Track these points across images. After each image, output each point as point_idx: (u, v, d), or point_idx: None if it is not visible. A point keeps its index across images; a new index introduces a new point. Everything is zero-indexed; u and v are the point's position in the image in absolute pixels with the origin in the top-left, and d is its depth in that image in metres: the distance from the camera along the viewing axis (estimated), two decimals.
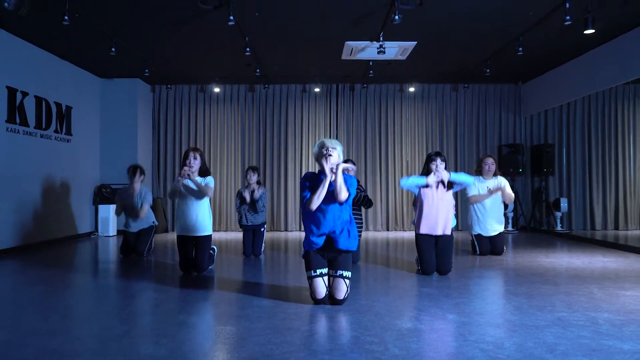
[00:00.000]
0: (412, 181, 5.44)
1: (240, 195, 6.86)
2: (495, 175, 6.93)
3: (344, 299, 4.00)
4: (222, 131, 10.76)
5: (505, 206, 7.25)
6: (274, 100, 10.80)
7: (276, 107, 10.79)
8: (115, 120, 9.92)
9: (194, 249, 5.47)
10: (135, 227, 6.76)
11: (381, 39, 7.16)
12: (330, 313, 3.75)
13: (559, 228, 10.02)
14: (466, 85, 10.45)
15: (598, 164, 10.53)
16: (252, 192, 6.78)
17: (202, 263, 5.41)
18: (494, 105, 10.83)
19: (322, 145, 4.06)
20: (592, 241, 8.46)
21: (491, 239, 6.84)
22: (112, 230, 9.40)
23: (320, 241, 4.02)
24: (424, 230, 5.39)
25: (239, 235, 9.73)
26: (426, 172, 5.45)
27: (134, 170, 6.74)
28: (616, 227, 10.43)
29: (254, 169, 6.92)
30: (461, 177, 5.42)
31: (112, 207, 9.32)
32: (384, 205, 10.74)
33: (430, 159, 5.44)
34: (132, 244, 6.72)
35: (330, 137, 4.19)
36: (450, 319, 3.60)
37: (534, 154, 10.59)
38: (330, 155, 4.00)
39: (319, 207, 3.96)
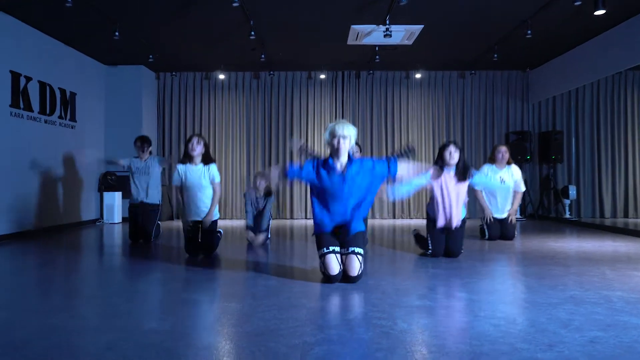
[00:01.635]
0: (486, 182, 5.90)
1: (247, 198, 6.60)
2: (509, 163, 6.85)
3: (358, 276, 3.92)
4: (227, 119, 10.69)
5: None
6: (279, 88, 10.71)
7: (281, 95, 10.70)
8: (119, 108, 9.86)
9: (201, 232, 5.42)
10: (142, 195, 6.66)
11: (387, 22, 7.06)
12: (337, 291, 3.68)
13: (567, 216, 9.91)
14: (473, 72, 10.34)
15: (607, 150, 10.40)
16: (258, 201, 6.55)
17: (211, 243, 5.38)
18: (502, 92, 10.71)
19: (333, 134, 3.90)
20: (601, 227, 8.36)
21: (502, 223, 6.74)
22: (118, 218, 9.36)
23: (330, 228, 3.99)
24: (440, 222, 5.30)
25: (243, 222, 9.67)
26: (440, 160, 5.31)
27: (142, 143, 6.75)
28: (626, 215, 10.31)
29: (264, 175, 6.65)
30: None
31: (117, 194, 9.28)
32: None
33: (444, 146, 5.31)
34: (140, 224, 6.60)
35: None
36: (459, 296, 3.53)
37: (542, 141, 10.47)
38: (340, 148, 3.89)
39: (327, 204, 3.96)
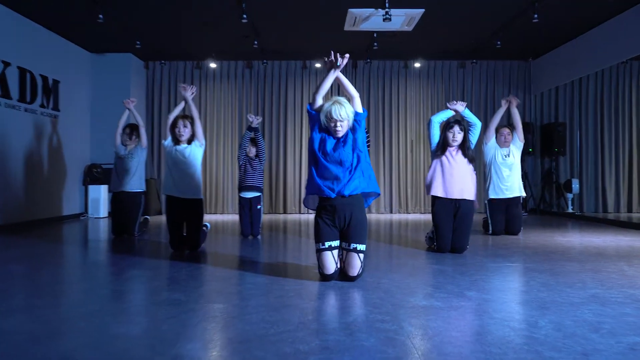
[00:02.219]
0: (441, 116, 5.16)
1: (243, 144, 6.26)
2: (511, 145, 6.56)
3: (358, 275, 3.57)
4: (218, 109, 10.30)
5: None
6: (273, 77, 10.32)
7: (275, 84, 10.31)
8: (106, 97, 9.43)
9: (186, 227, 5.05)
10: (122, 184, 6.25)
11: (387, 5, 6.69)
12: (334, 290, 3.32)
13: (570, 210, 9.58)
14: (474, 61, 9.98)
15: (611, 143, 10.07)
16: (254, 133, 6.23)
17: (197, 237, 5.03)
18: (503, 82, 10.35)
19: (329, 117, 3.55)
20: (607, 221, 8.04)
21: (507, 218, 6.40)
22: (103, 212, 8.96)
23: (331, 193, 3.55)
24: (437, 191, 4.92)
25: (235, 217, 9.31)
26: (442, 141, 5.00)
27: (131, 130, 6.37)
28: (629, 210, 10.00)
29: (254, 141, 6.30)
30: (473, 117, 5.13)
31: (103, 187, 8.88)
32: (387, 187, 10.29)
33: (448, 125, 4.98)
34: (124, 213, 6.22)
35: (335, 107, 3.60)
36: (469, 296, 3.17)
37: (544, 133, 10.14)
38: (339, 130, 3.55)
39: (327, 170, 3.53)
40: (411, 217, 9.51)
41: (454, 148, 4.98)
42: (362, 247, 3.59)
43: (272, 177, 10.22)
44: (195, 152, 5.06)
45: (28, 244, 5.65)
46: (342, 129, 3.54)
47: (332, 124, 3.55)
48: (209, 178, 10.17)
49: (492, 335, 2.36)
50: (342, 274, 3.59)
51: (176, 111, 5.27)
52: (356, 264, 3.55)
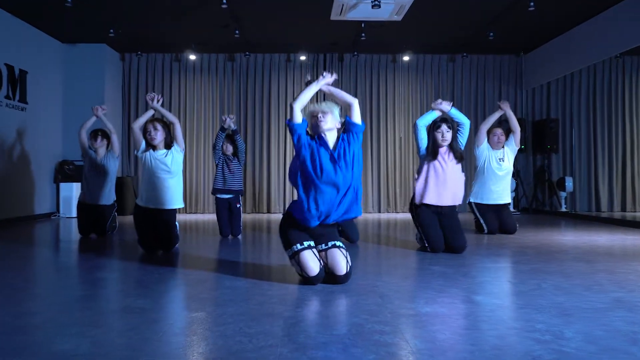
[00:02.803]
0: (427, 118, 4.77)
1: (218, 138, 5.79)
2: (504, 147, 6.21)
3: (347, 274, 3.15)
4: (199, 104, 9.82)
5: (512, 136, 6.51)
6: (256, 71, 9.87)
7: (258, 78, 9.86)
8: (79, 90, 8.89)
9: (158, 224, 4.60)
10: (95, 198, 5.78)
11: None
12: (322, 295, 2.91)
13: (563, 209, 9.27)
14: (464, 54, 9.63)
15: (604, 140, 9.78)
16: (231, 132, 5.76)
17: (168, 235, 4.60)
18: (494, 77, 10.02)
19: (312, 114, 3.20)
20: (602, 220, 7.73)
21: (500, 216, 6.05)
22: (75, 211, 8.42)
23: (316, 221, 3.16)
24: (430, 200, 4.57)
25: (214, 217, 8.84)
26: (432, 143, 4.66)
27: (95, 135, 5.85)
28: (623, 209, 9.71)
29: (229, 137, 5.84)
30: (460, 115, 4.77)
31: (76, 185, 8.35)
32: (375, 185, 9.90)
33: (435, 125, 4.69)
34: (93, 219, 5.79)
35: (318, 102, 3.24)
36: (478, 300, 2.78)
37: (536, 129, 9.81)
38: (322, 121, 3.15)
39: (319, 189, 3.11)
40: (400, 216, 9.13)
41: (444, 149, 4.65)
42: (340, 243, 3.22)
43: (255, 176, 9.77)
44: (177, 159, 4.64)
45: None
46: (325, 121, 3.15)
47: (313, 120, 3.19)
48: (188, 177, 9.69)
49: (514, 349, 1.97)
50: (329, 276, 3.17)
51: (142, 119, 4.79)
52: (341, 261, 3.13)
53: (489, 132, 6.25)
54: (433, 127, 4.69)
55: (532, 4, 6.56)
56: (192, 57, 9.44)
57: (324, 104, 3.24)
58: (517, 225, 6.20)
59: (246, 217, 8.62)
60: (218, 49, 9.49)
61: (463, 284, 3.21)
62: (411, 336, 2.14)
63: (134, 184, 9.19)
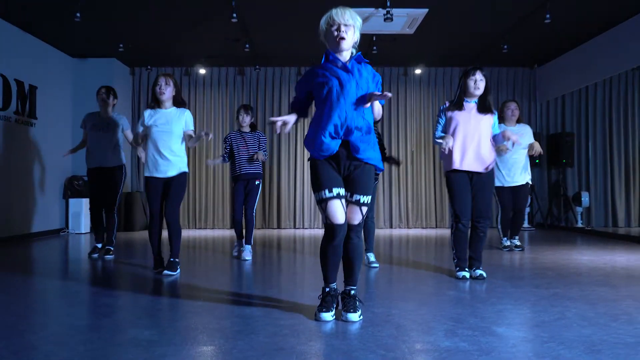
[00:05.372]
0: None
1: (229, 143, 5.61)
2: (519, 122, 6.16)
3: (359, 224, 2.99)
4: (208, 118, 9.76)
5: (532, 160, 6.40)
6: (266, 84, 9.80)
7: (268, 91, 9.79)
8: (89, 105, 8.78)
9: (165, 195, 4.50)
10: (98, 160, 5.63)
11: (388, 4, 6.22)
12: (335, 326, 2.78)
13: (579, 224, 9.07)
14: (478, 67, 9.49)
15: (621, 154, 9.59)
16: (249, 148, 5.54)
17: (174, 207, 4.50)
18: (507, 90, 9.88)
19: (331, 22, 2.87)
20: (620, 237, 7.53)
21: (514, 193, 5.99)
22: (85, 227, 8.37)
23: (333, 145, 2.91)
24: (456, 164, 4.21)
25: (225, 233, 8.75)
26: (463, 88, 4.23)
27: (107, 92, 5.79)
28: None
29: (247, 108, 5.66)
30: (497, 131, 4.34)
31: (85, 201, 8.28)
32: (387, 200, 9.75)
33: (468, 73, 4.23)
34: (104, 186, 5.65)
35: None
36: (500, 333, 2.64)
37: (551, 143, 9.64)
38: (343, 38, 2.85)
39: (337, 93, 2.87)
40: (412, 232, 8.98)
41: (471, 105, 4.22)
42: (366, 199, 2.99)
43: (265, 190, 9.66)
44: (184, 120, 4.51)
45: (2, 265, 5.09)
46: (347, 35, 2.86)
47: (335, 29, 2.86)
48: (198, 191, 9.61)
49: None
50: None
51: (131, 136, 4.70)
52: (357, 217, 2.97)
53: (502, 105, 6.18)
54: (466, 74, 4.25)
55: (547, 16, 6.43)
56: (202, 70, 9.40)
57: (347, 13, 2.87)
58: (526, 239, 6.08)
59: (256, 232, 8.51)
60: (228, 62, 9.44)
61: (483, 312, 3.07)
62: None
63: (143, 199, 9.10)
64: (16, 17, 6.99)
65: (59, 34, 7.71)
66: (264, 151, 5.57)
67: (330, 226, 2.91)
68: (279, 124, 2.93)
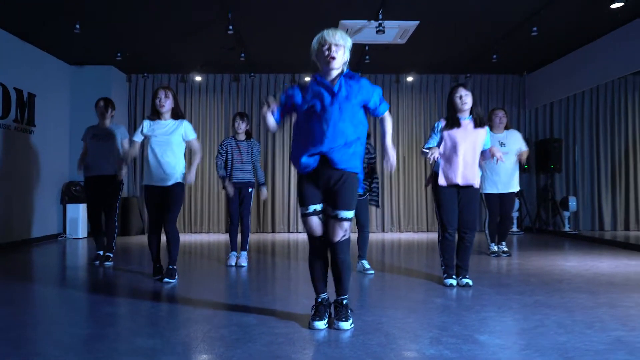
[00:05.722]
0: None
1: (225, 150, 5.72)
2: (507, 128, 6.32)
3: (340, 242, 3.09)
4: (204, 124, 9.92)
5: (521, 166, 6.58)
6: (261, 91, 9.98)
7: (263, 98, 9.97)
8: (86, 112, 8.93)
9: (164, 204, 4.65)
10: (97, 168, 5.80)
11: (380, 17, 6.40)
12: (328, 334, 2.96)
13: (567, 229, 9.30)
14: (468, 75, 9.72)
15: (607, 160, 9.83)
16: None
17: (173, 216, 4.68)
18: (497, 97, 10.09)
19: (322, 42, 3.01)
20: (606, 242, 7.76)
21: (501, 200, 6.16)
22: (82, 232, 8.52)
23: (311, 162, 3.05)
24: (457, 179, 4.36)
25: (221, 237, 8.92)
26: (452, 109, 4.39)
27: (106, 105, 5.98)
28: (627, 228, 9.74)
29: (243, 116, 5.80)
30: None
31: (82, 207, 8.43)
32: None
33: (452, 91, 4.39)
34: (102, 194, 5.81)
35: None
36: (482, 341, 2.83)
37: (539, 149, 9.87)
38: (334, 57, 2.99)
39: (317, 116, 3.01)
40: (404, 236, 9.18)
41: (466, 121, 4.34)
42: (346, 214, 3.06)
43: (259, 195, 9.81)
44: (184, 130, 4.68)
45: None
46: (337, 55, 3.00)
47: (326, 49, 2.99)
48: (193, 197, 9.77)
49: None
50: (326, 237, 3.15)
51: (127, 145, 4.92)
52: (338, 233, 3.08)
53: (490, 113, 6.35)
54: (451, 92, 4.41)
55: (534, 29, 6.64)
56: (198, 78, 9.56)
57: (338, 34, 3.01)
58: (515, 246, 6.26)
59: (251, 237, 8.67)
60: (223, 69, 9.60)
61: (467, 320, 3.26)
62: None
63: (139, 205, 9.26)
64: (15, 27, 7.13)
65: (57, 43, 7.86)
66: (256, 161, 5.79)
67: (310, 237, 3.19)
68: (273, 106, 3.11)
